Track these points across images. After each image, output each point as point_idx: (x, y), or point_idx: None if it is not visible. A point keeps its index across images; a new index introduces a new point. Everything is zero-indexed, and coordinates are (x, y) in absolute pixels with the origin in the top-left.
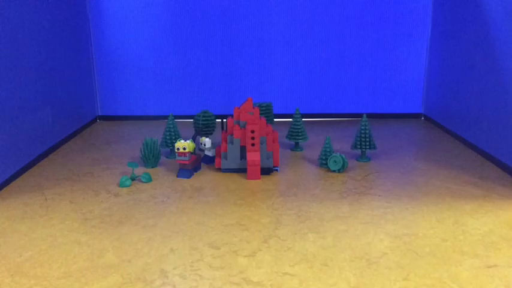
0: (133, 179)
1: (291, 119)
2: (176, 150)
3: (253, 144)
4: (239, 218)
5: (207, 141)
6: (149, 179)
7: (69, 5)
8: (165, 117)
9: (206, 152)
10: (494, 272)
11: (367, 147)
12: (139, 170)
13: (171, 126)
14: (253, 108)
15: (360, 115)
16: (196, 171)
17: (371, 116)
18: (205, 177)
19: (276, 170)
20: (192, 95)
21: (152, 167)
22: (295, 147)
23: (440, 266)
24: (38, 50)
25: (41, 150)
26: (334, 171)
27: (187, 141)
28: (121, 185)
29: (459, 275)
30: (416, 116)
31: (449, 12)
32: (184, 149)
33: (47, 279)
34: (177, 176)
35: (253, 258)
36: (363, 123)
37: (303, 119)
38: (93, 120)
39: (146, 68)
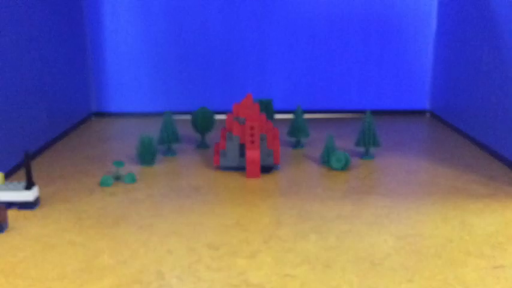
0: (117, 178)
1: (292, 116)
2: None
3: (252, 142)
4: (239, 218)
5: None
6: (133, 180)
7: (63, 0)
8: (162, 113)
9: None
10: (500, 272)
11: (371, 144)
12: (134, 169)
13: (168, 123)
14: (253, 104)
15: (363, 111)
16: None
17: (375, 112)
18: (204, 176)
19: (277, 168)
20: (189, 91)
21: (149, 165)
22: (297, 144)
23: (445, 267)
24: (31, 46)
25: (35, 148)
26: (336, 169)
27: None
28: (102, 184)
29: (465, 276)
30: (422, 112)
31: (456, 7)
32: None
33: (41, 281)
34: None
35: (253, 259)
36: (367, 120)
37: (305, 115)
38: (88, 117)
39: (142, 63)
